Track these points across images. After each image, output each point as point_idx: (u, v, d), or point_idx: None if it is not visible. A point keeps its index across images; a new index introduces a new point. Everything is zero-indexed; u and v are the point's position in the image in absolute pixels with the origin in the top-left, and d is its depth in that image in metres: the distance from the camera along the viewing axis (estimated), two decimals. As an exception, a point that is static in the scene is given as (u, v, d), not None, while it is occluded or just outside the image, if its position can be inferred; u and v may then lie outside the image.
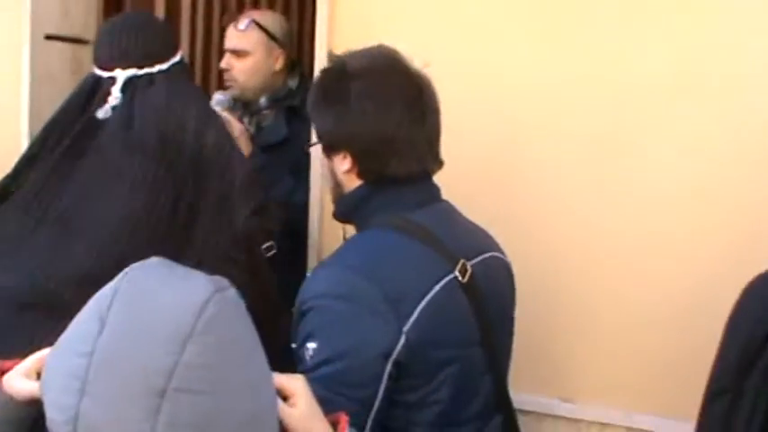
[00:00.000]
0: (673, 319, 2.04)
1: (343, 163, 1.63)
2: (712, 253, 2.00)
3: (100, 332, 1.14)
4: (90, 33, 2.77)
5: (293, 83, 2.75)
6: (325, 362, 1.47)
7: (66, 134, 1.89)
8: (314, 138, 1.72)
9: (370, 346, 1.47)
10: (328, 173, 1.69)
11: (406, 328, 1.48)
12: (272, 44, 2.69)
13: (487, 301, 1.62)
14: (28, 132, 2.63)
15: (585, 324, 2.12)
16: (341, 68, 1.64)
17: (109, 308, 1.15)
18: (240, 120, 2.62)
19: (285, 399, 1.30)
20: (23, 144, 2.60)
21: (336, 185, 1.68)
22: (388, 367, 1.48)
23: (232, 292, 1.17)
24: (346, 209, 1.68)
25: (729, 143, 1.98)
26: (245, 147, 2.40)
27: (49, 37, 2.68)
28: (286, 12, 3.81)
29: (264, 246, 2.45)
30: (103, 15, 2.87)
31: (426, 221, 1.61)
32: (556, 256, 2.12)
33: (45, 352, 1.31)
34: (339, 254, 1.62)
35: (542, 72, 2.12)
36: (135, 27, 1.93)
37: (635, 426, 2.10)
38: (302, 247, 2.43)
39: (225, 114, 2.40)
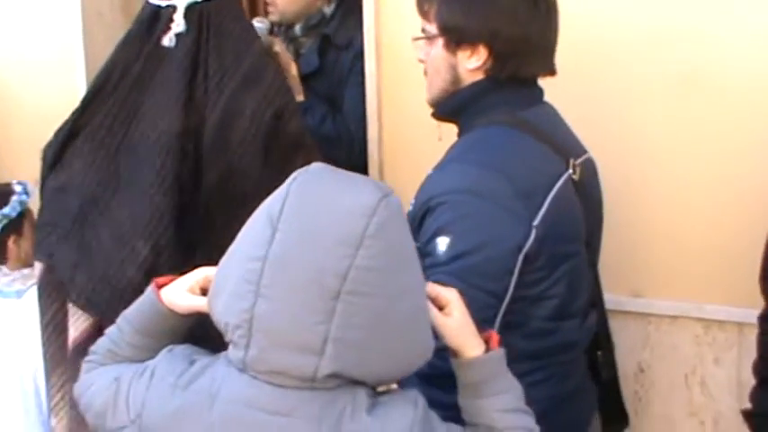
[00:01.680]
0: (741, 212, 2.08)
1: (472, 58, 1.61)
2: None
3: (272, 237, 1.18)
4: (137, -30, 2.79)
5: (329, 9, 2.71)
6: (461, 255, 1.50)
7: (131, 65, 1.93)
8: (424, 31, 1.67)
9: (504, 239, 1.52)
10: (444, 67, 1.64)
11: (535, 223, 1.53)
12: None
13: (589, 200, 1.69)
14: (84, 70, 2.66)
15: (653, 219, 2.16)
16: None
17: (280, 213, 1.19)
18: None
19: (441, 308, 1.34)
20: (80, 81, 2.65)
21: (453, 82, 1.65)
22: (519, 261, 1.52)
23: (396, 197, 1.22)
24: (458, 105, 1.66)
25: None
26: (293, 65, 2.41)
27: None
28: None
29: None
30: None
31: (538, 120, 1.64)
32: (625, 155, 2.14)
33: (208, 269, 1.38)
34: (462, 151, 1.62)
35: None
36: None
37: (706, 316, 2.14)
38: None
39: (270, 38, 2.40)
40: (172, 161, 1.82)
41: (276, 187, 1.26)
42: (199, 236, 1.83)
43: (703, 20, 2.06)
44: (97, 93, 1.96)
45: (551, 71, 1.68)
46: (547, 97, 1.74)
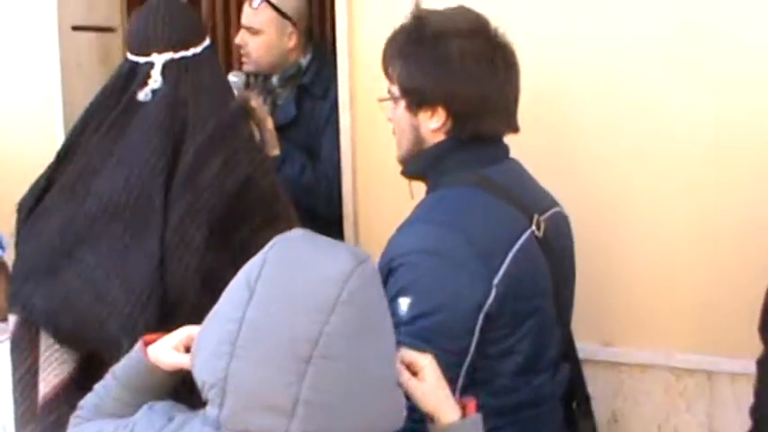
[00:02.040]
0: (711, 260, 2.10)
1: (432, 119, 1.64)
2: (752, 194, 2.05)
3: (249, 300, 1.21)
4: (115, 22, 2.84)
5: (304, 60, 2.76)
6: (422, 315, 1.52)
7: (106, 117, 1.94)
8: (386, 93, 1.71)
9: (465, 299, 1.54)
10: (407, 128, 1.68)
11: (495, 281, 1.55)
12: (285, 22, 2.71)
13: (556, 255, 1.70)
14: (63, 120, 2.69)
15: (623, 268, 2.19)
16: (437, 26, 1.64)
17: (258, 277, 1.22)
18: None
19: (414, 373, 1.36)
20: (58, 132, 2.68)
21: (416, 143, 1.68)
22: (480, 320, 1.54)
23: (371, 264, 1.24)
24: (423, 165, 1.69)
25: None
26: (270, 120, 2.44)
27: (76, 28, 2.74)
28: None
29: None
30: (127, 4, 2.92)
31: (502, 178, 1.66)
32: (594, 204, 2.16)
33: (192, 328, 1.42)
34: (424, 211, 1.65)
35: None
36: (167, 13, 1.98)
37: (676, 365, 2.15)
38: (312, 226, 2.44)
39: (246, 93, 2.44)
40: (142, 210, 1.83)
41: (247, 244, 1.29)
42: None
43: (667, 67, 2.11)
44: (71, 145, 1.97)
45: (514, 129, 1.70)
46: (514, 150, 1.75)
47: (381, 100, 1.73)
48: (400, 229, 1.63)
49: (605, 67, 2.15)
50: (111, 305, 1.79)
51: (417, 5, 1.70)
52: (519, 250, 1.59)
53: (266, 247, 1.26)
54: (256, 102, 2.40)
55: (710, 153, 2.09)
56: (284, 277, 1.22)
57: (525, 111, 1.72)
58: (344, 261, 1.21)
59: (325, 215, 2.51)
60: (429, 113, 1.64)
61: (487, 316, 1.54)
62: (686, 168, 2.11)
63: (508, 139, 1.73)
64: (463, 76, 1.61)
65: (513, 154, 1.75)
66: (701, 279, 2.12)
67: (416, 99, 1.65)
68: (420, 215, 1.64)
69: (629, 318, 2.20)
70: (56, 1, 2.70)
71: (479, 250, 1.54)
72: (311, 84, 2.73)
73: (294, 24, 2.73)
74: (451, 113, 1.63)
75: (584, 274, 1.94)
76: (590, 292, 2.10)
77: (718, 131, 2.08)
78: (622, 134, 2.15)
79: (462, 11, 1.69)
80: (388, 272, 1.57)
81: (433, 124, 1.64)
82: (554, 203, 1.78)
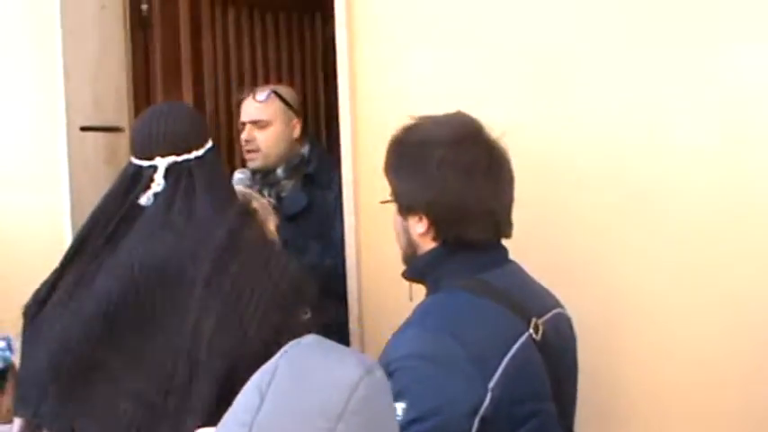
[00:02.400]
0: (737, 378, 2.03)
1: (418, 225, 1.68)
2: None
3: (259, 407, 1.21)
4: (122, 121, 2.89)
5: (305, 150, 2.82)
6: (417, 420, 1.51)
7: (107, 224, 1.98)
8: (388, 196, 1.75)
9: (459, 403, 1.53)
10: (401, 231, 1.72)
11: (491, 385, 1.54)
12: (290, 113, 2.80)
13: (557, 358, 1.69)
14: (70, 220, 2.73)
15: (646, 380, 2.13)
16: (423, 134, 1.69)
17: (269, 384, 1.22)
18: (260, 193, 2.68)
19: None
20: (66, 232, 2.70)
21: (409, 245, 1.72)
22: (476, 424, 1.53)
23: (380, 372, 1.24)
24: (419, 269, 1.72)
25: None
26: (272, 220, 2.47)
27: (84, 128, 2.79)
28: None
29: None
30: (134, 103, 2.99)
31: (499, 282, 1.67)
32: (616, 312, 2.13)
33: (208, 430, 1.39)
34: (420, 316, 1.65)
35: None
36: (171, 116, 2.03)
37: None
38: (337, 309, 2.47)
39: (248, 191, 2.48)
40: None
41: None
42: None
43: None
44: (75, 252, 2.01)
45: (504, 235, 1.71)
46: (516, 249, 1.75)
47: (382, 202, 1.76)
48: (396, 334, 1.64)
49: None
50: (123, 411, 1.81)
51: (411, 115, 1.72)
52: (515, 354, 1.58)
53: (278, 354, 1.27)
54: (258, 203, 2.44)
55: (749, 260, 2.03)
56: (294, 385, 1.22)
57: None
58: (353, 369, 1.22)
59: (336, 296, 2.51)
60: (416, 218, 1.68)
61: (483, 420, 1.53)
62: (715, 274, 2.05)
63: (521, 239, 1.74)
64: (440, 185, 1.63)
65: (516, 254, 1.75)
66: (725, 398, 2.04)
67: (403, 204, 1.70)
68: (415, 320, 1.64)
69: (637, 419, 2.14)
70: (64, 101, 2.76)
71: (474, 355, 1.54)
72: (316, 173, 2.78)
73: (297, 115, 2.80)
74: (433, 220, 1.66)
75: (604, 383, 1.93)
76: (610, 403, 2.09)
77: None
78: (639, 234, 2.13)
79: (456, 117, 1.71)
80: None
81: (420, 229, 1.68)
82: (556, 305, 1.77)
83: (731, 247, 2.04)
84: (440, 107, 1.75)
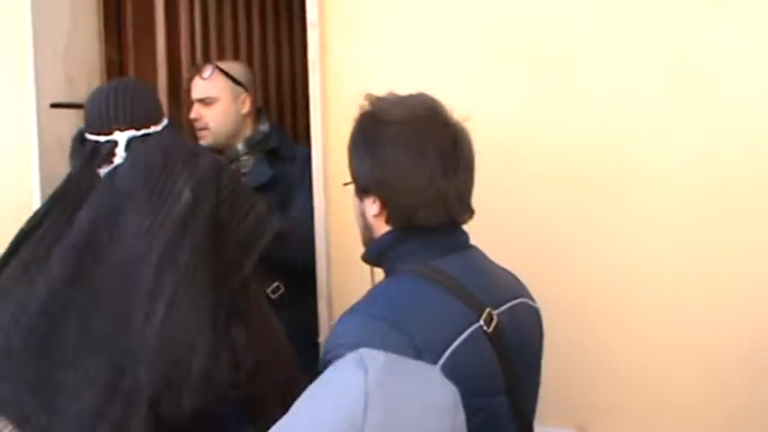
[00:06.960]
0: (690, 345, 2.05)
1: (372, 207, 1.64)
2: (741, 294, 2.02)
3: None
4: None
5: (264, 127, 2.82)
6: None
7: (65, 194, 1.98)
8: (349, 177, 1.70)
9: None
10: (358, 214, 1.69)
11: None
12: (238, 88, 2.77)
13: (514, 350, 1.62)
14: (40, 198, 2.69)
15: (597, 351, 2.13)
16: (379, 112, 1.63)
17: (364, 416, 1.16)
18: None
19: None
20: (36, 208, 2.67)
21: (366, 228, 1.68)
22: None
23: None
24: (374, 254, 1.68)
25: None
26: None
27: (54, 105, 2.76)
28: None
29: (271, 288, 2.51)
30: (107, 79, 2.95)
31: (453, 269, 1.61)
32: (578, 295, 2.13)
33: None
34: (366, 302, 1.60)
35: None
36: (129, 92, 2.01)
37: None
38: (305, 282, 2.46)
39: None
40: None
41: None
42: None
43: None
44: (36, 225, 1.98)
45: (460, 220, 1.66)
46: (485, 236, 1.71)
47: (345, 184, 1.72)
48: (342, 318, 1.59)
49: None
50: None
51: (369, 93, 1.67)
52: (461, 345, 1.53)
53: (360, 381, 1.19)
54: None
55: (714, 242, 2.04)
56: (397, 413, 1.18)
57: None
58: (449, 392, 1.25)
59: (302, 264, 2.49)
60: (371, 200, 1.63)
61: (425, 413, 1.49)
62: (684, 258, 2.07)
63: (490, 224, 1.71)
64: (391, 165, 1.58)
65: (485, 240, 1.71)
66: (678, 362, 2.07)
67: (359, 185, 1.66)
68: (361, 306, 1.59)
69: (604, 403, 2.13)
70: (34, 79, 2.72)
71: (416, 345, 1.49)
72: (280, 147, 2.77)
73: (246, 90, 2.78)
74: (384, 202, 1.61)
75: (557, 357, 1.88)
76: (563, 376, 2.06)
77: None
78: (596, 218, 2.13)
79: (416, 97, 1.65)
80: (325, 363, 1.50)
81: (373, 211, 1.63)
82: (519, 294, 1.70)
83: (704, 233, 2.04)
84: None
